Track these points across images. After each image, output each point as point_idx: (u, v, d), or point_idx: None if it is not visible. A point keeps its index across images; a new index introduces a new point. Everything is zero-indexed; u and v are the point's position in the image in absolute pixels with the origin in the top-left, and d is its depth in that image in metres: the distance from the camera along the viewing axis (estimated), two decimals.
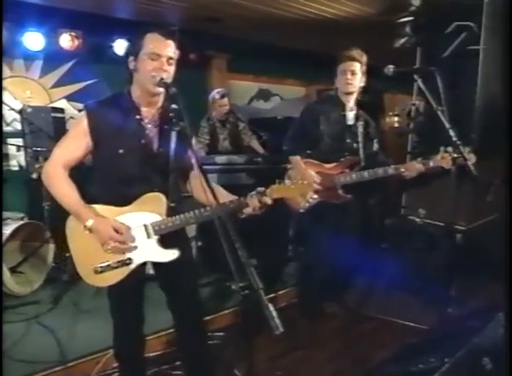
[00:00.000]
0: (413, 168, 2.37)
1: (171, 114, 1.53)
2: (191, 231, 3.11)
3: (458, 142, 2.16)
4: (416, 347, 1.96)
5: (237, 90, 5.46)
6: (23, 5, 3.52)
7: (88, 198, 1.62)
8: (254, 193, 1.60)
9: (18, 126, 3.75)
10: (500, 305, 1.91)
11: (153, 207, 1.62)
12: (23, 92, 3.90)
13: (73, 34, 3.87)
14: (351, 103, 2.63)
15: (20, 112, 3.50)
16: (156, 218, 1.61)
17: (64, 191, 1.59)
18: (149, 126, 1.63)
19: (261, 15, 4.19)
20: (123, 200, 1.61)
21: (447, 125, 2.11)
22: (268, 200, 1.58)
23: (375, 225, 3.52)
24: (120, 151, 1.58)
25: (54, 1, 3.69)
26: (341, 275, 2.77)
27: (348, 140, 2.61)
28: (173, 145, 1.60)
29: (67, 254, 1.76)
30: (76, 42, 3.89)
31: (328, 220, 2.57)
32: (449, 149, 2.28)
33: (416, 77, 2.26)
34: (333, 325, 2.74)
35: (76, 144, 1.61)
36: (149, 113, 1.64)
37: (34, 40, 3.72)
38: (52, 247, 3.18)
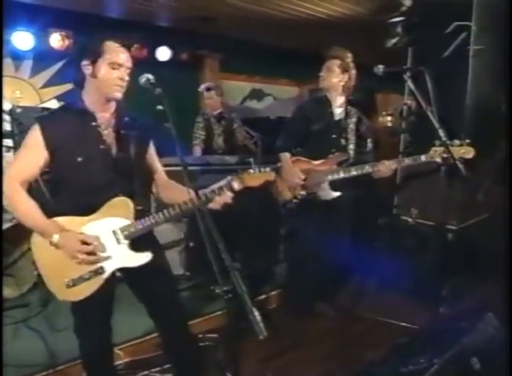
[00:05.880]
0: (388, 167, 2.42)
1: (126, 119, 1.61)
2: (178, 234, 3.13)
3: (448, 142, 2.17)
4: (405, 347, 1.96)
5: (230, 90, 5.44)
6: (12, 3, 3.48)
7: (52, 212, 1.56)
8: (223, 183, 1.58)
9: (7, 126, 3.70)
10: (490, 305, 1.91)
11: (119, 212, 1.57)
12: (12, 92, 3.86)
13: (63, 33, 3.85)
14: (337, 100, 2.65)
15: (10, 112, 3.45)
16: (125, 222, 1.57)
17: (25, 209, 1.53)
18: (106, 132, 1.61)
19: (254, 15, 4.19)
20: (88, 208, 1.56)
21: (436, 125, 2.12)
22: (236, 186, 1.57)
23: (367, 224, 3.52)
24: (79, 159, 1.53)
25: (44, 0, 3.66)
26: (332, 274, 2.77)
27: (334, 136, 2.62)
28: (133, 148, 1.60)
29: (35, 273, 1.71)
30: (66, 42, 3.88)
31: (319, 218, 2.57)
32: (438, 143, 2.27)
33: (405, 77, 2.26)
34: (324, 325, 2.73)
35: (30, 158, 1.54)
36: (104, 119, 1.61)
37: (23, 39, 3.70)
38: None
